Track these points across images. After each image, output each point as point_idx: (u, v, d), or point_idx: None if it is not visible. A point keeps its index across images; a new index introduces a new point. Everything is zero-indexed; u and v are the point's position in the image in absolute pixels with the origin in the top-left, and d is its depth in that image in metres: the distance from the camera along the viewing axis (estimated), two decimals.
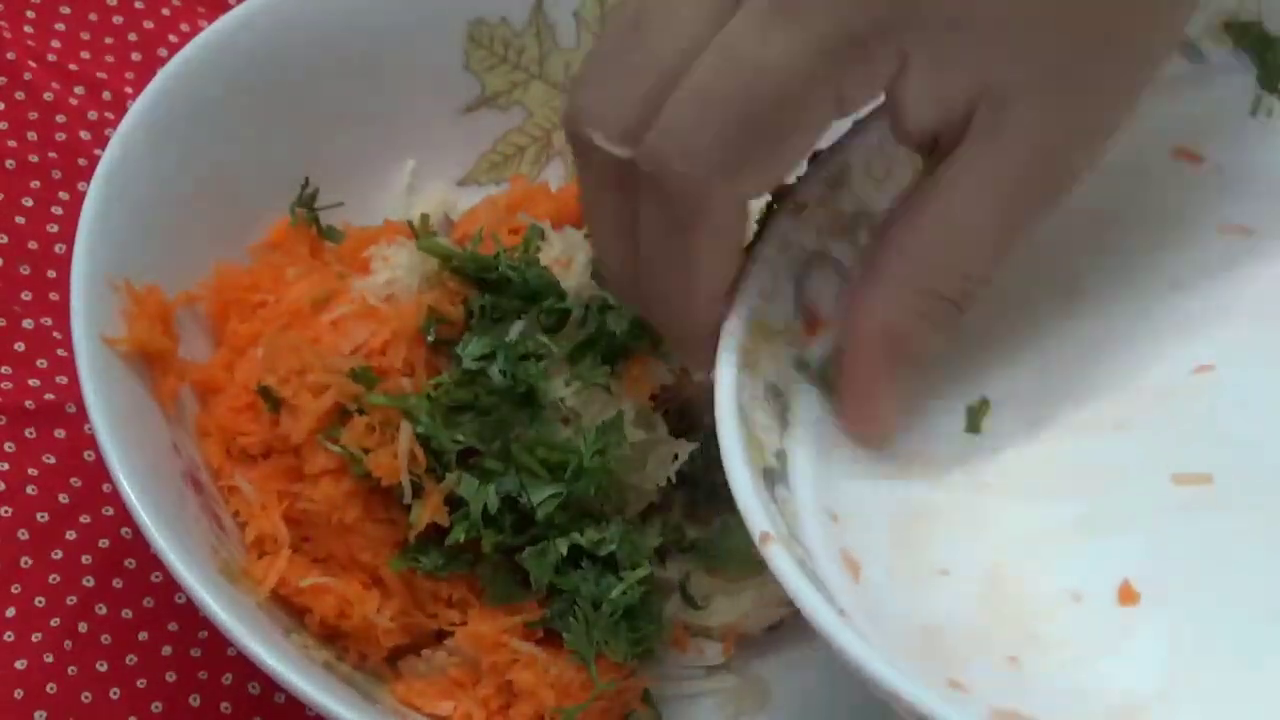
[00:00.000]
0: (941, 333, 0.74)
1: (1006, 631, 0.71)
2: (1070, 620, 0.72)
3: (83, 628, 0.86)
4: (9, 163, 0.97)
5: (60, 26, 1.02)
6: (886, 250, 0.74)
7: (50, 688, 0.84)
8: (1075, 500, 0.76)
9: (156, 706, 0.85)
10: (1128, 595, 0.72)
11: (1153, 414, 0.77)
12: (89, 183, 0.84)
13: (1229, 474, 0.75)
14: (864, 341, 0.74)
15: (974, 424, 0.78)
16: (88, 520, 0.89)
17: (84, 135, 0.99)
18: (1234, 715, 0.68)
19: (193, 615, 0.86)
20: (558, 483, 0.82)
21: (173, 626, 0.87)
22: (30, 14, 1.02)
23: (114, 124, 0.94)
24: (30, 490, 0.89)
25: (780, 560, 0.67)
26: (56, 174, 0.97)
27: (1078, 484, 0.76)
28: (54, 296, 0.94)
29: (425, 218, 0.92)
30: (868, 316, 0.74)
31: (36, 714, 0.84)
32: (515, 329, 0.84)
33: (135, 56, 1.03)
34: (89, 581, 0.87)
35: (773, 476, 0.71)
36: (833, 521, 0.72)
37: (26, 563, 0.87)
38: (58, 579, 0.87)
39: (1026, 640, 0.71)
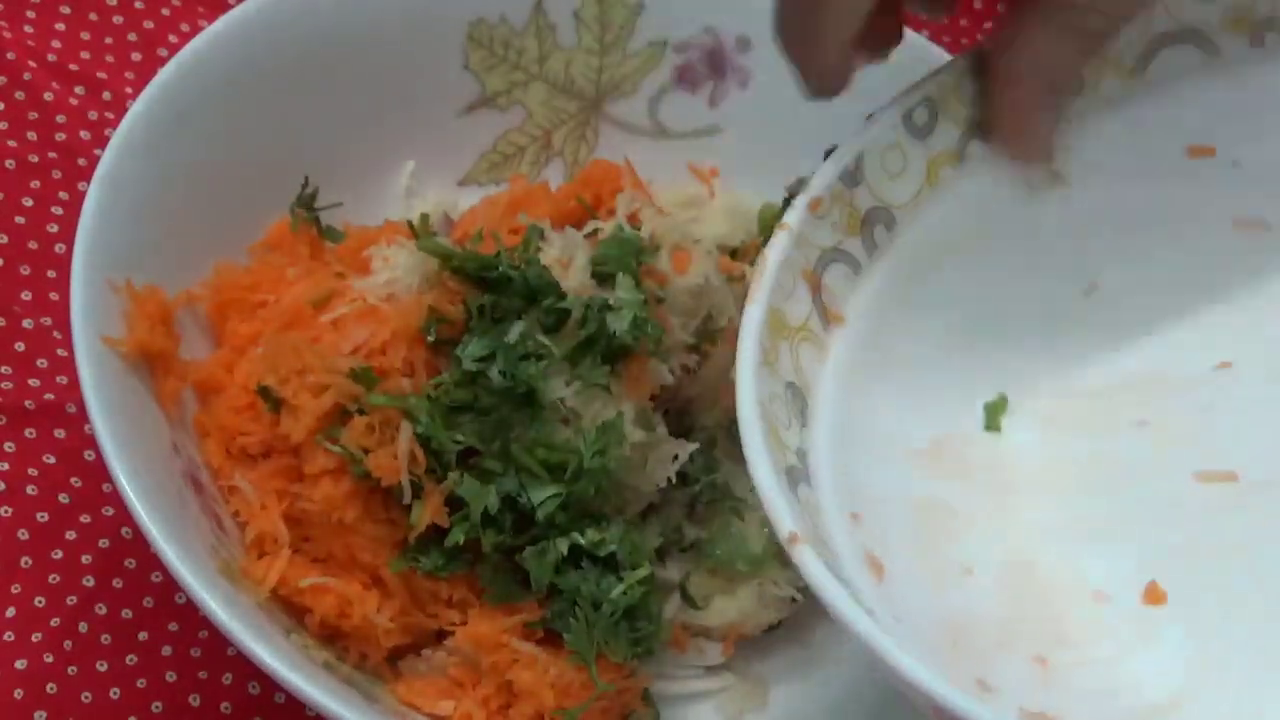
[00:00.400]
0: (1089, 58, 0.78)
1: (1033, 631, 0.71)
2: (1097, 620, 0.71)
3: (83, 628, 0.86)
4: (9, 163, 0.97)
5: (60, 26, 1.02)
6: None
7: (50, 688, 0.84)
8: (1098, 499, 0.75)
9: (156, 706, 0.85)
10: (1154, 595, 0.71)
11: (1174, 411, 0.77)
12: (89, 183, 0.84)
13: (1254, 471, 0.74)
14: (1024, 77, 0.77)
15: (993, 422, 0.78)
16: (88, 520, 0.89)
17: (84, 135, 0.99)
18: (1261, 716, 0.68)
19: (193, 615, 0.86)
20: (558, 483, 0.82)
21: (173, 626, 0.87)
22: (30, 14, 1.02)
23: (114, 124, 0.94)
24: (30, 490, 0.89)
25: (809, 561, 0.66)
26: (56, 174, 0.97)
27: (1100, 482, 0.76)
28: (54, 296, 0.94)
29: (425, 217, 0.92)
30: (1027, 53, 0.77)
31: (36, 714, 0.84)
32: (515, 329, 0.84)
33: (135, 56, 1.03)
34: (89, 581, 0.87)
35: (795, 475, 0.71)
36: (854, 522, 0.72)
37: (26, 563, 0.87)
38: (58, 579, 0.87)
39: (1053, 640, 0.71)
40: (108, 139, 0.86)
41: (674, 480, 0.86)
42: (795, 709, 0.87)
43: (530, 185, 0.97)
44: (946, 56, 0.96)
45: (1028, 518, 0.75)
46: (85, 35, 1.02)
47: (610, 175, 0.96)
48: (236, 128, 0.91)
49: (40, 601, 0.86)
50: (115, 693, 0.85)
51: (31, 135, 0.98)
